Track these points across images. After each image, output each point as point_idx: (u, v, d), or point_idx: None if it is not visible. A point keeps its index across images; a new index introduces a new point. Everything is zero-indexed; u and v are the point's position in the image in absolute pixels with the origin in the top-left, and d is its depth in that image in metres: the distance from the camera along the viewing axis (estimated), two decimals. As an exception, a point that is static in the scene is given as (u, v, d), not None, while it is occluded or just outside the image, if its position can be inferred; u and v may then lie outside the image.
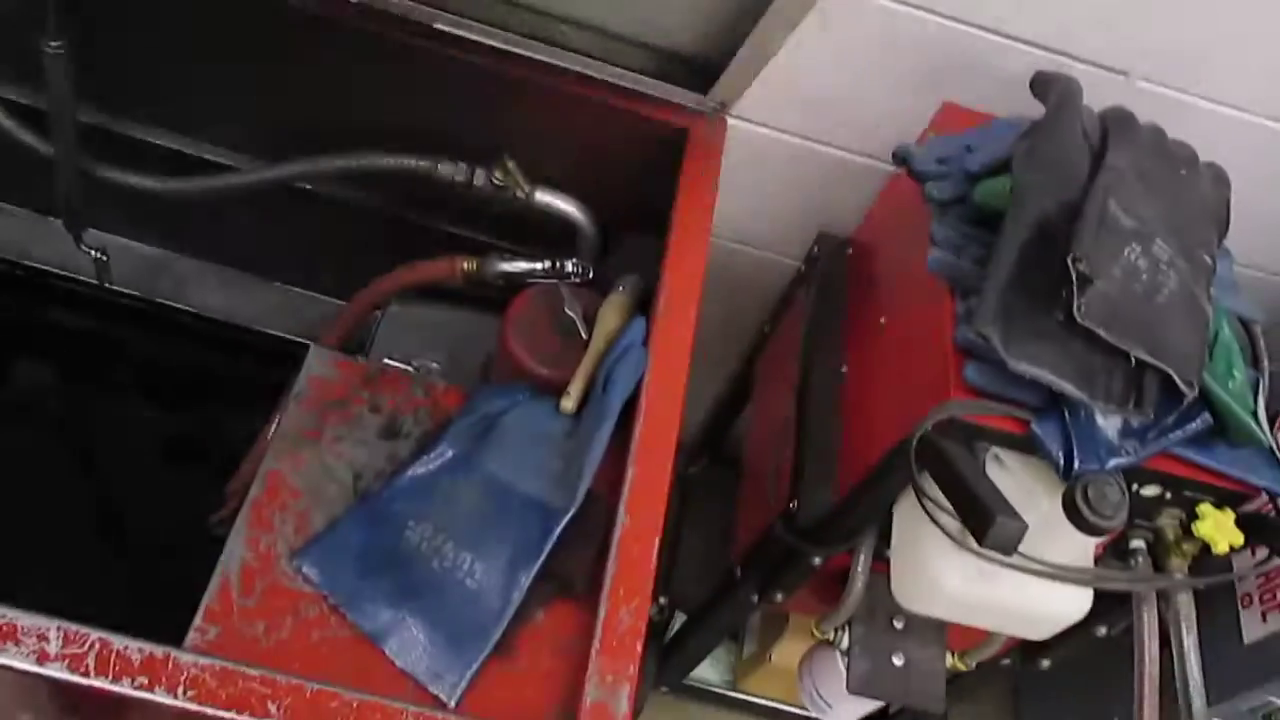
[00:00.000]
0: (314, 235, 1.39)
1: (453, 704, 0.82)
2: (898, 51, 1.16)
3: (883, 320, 1.19)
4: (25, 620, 0.73)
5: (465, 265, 1.21)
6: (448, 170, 1.16)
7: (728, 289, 1.62)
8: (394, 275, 1.26)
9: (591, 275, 1.19)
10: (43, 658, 0.73)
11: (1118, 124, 1.01)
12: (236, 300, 1.48)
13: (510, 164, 1.14)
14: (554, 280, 1.18)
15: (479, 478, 0.91)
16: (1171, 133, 1.05)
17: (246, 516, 0.86)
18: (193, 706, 0.72)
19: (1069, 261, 0.85)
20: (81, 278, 1.41)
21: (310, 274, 1.50)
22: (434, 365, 1.30)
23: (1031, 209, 0.94)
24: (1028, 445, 0.91)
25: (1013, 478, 0.95)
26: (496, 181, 1.16)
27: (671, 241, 1.03)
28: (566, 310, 1.13)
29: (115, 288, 1.42)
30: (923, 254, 0.98)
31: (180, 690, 0.73)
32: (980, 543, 0.85)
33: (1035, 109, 1.04)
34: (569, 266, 1.18)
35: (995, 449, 0.95)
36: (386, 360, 1.25)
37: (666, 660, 1.49)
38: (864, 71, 1.18)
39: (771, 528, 1.14)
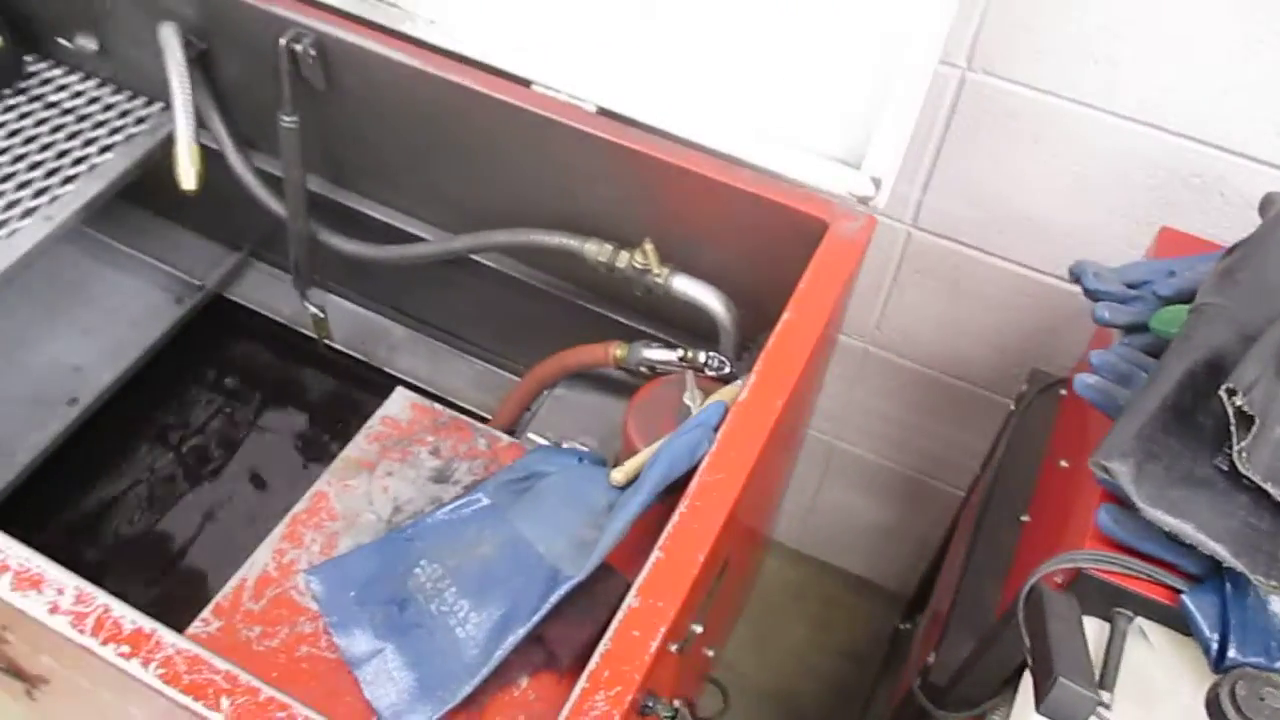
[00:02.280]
0: (502, 313, 1.47)
1: None
2: (1118, 170, 1.05)
3: (1063, 463, 1.05)
4: (52, 573, 0.80)
5: (617, 352, 1.22)
6: (593, 250, 1.18)
7: (947, 425, 1.52)
8: (556, 358, 1.30)
9: (729, 369, 1.15)
10: (54, 609, 0.79)
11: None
12: (445, 373, 1.58)
13: (649, 247, 1.15)
14: (688, 369, 1.16)
15: (504, 531, 0.89)
16: None
17: (283, 529, 0.90)
18: (155, 683, 0.75)
19: (1223, 393, 0.71)
20: (303, 330, 1.58)
21: (500, 351, 1.58)
22: (584, 448, 1.31)
23: (1205, 334, 0.80)
24: (1178, 620, 0.75)
25: (1158, 661, 0.77)
26: (637, 265, 1.16)
27: (776, 331, 0.98)
28: (685, 400, 1.11)
29: (331, 343, 1.57)
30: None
31: (151, 666, 0.76)
32: (1038, 705, 0.71)
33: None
34: (703, 358, 1.15)
35: (1140, 622, 0.79)
36: (538, 438, 1.28)
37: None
38: (1080, 192, 1.09)
39: (910, 686, 1.03)
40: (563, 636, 0.84)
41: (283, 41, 1.22)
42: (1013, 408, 1.37)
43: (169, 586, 1.43)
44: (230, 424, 1.67)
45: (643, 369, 1.21)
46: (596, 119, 1.15)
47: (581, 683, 0.76)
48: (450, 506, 0.93)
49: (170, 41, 1.24)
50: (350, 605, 0.86)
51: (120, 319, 1.60)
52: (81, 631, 0.79)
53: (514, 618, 0.85)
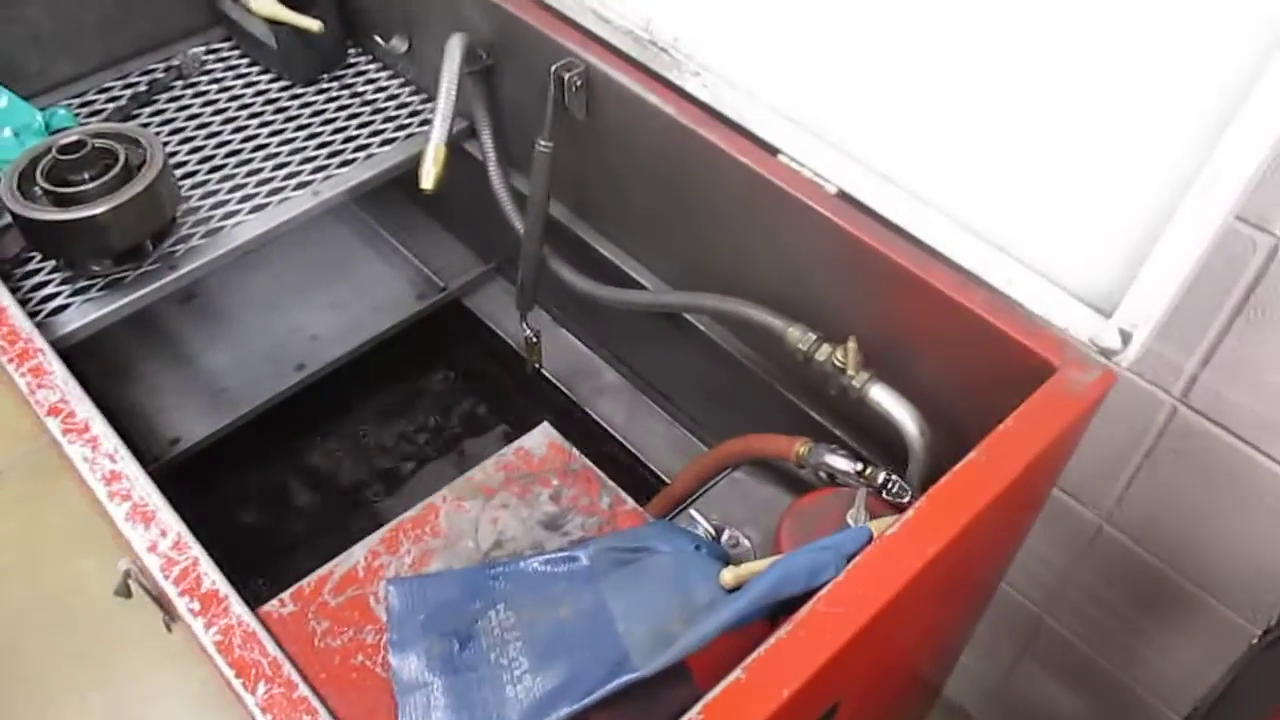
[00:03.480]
0: (707, 381, 1.41)
1: None
2: None
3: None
4: (164, 514, 0.83)
5: (800, 449, 1.13)
6: (795, 336, 1.10)
7: (1176, 636, 1.32)
8: (743, 441, 1.22)
9: (908, 498, 1.03)
10: (152, 547, 0.81)
11: None
12: (636, 425, 1.55)
13: (851, 346, 1.05)
14: (863, 486, 1.05)
15: (589, 599, 0.82)
16: None
17: (385, 532, 0.88)
18: (209, 648, 0.75)
19: None
20: (513, 345, 1.60)
21: (698, 419, 1.52)
22: (745, 541, 1.23)
23: None
24: None
25: None
26: (836, 363, 1.07)
27: (954, 470, 0.85)
28: (848, 517, 1.01)
29: (542, 370, 1.57)
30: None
31: (212, 630, 0.76)
32: None
33: None
34: (882, 477, 1.04)
35: None
36: (701, 519, 1.21)
37: None
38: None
39: None
40: (609, 728, 0.76)
41: (554, 68, 1.24)
42: (1256, 639, 1.17)
43: (295, 560, 1.49)
44: (425, 422, 1.73)
45: (821, 473, 1.12)
46: (834, 202, 1.07)
47: (610, 790, 0.68)
48: (547, 558, 0.88)
49: (453, 50, 1.29)
50: (416, 628, 0.83)
51: (364, 301, 1.69)
52: (167, 576, 0.80)
53: (567, 693, 0.78)
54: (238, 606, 0.77)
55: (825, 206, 1.07)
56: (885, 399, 1.04)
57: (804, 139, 1.11)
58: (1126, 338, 0.91)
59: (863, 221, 1.05)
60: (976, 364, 0.99)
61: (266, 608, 0.87)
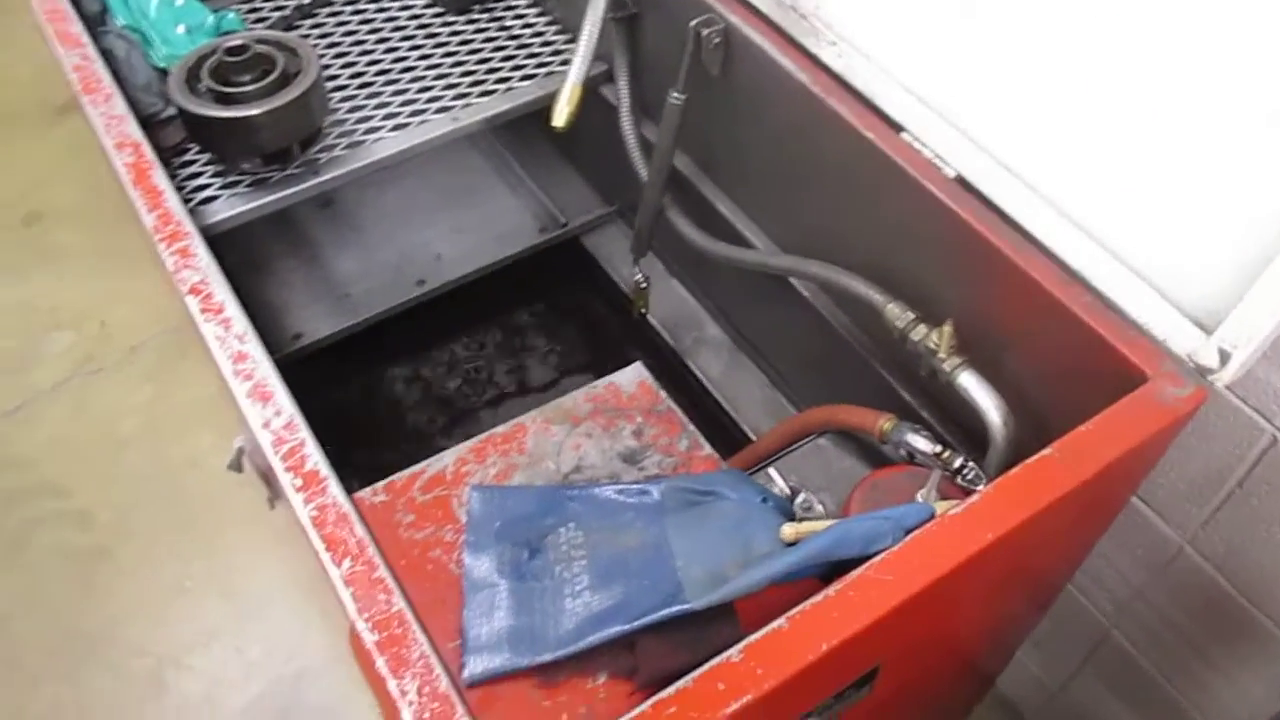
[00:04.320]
0: (805, 346, 1.43)
1: (463, 678, 0.79)
2: None
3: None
4: (280, 395, 0.90)
5: (884, 424, 1.15)
6: (894, 313, 1.12)
7: (1248, 674, 1.30)
8: (828, 410, 1.25)
9: (981, 486, 1.04)
10: (266, 424, 0.89)
11: None
12: (731, 380, 1.58)
13: (947, 330, 1.06)
14: (939, 469, 1.07)
15: (654, 532, 0.87)
16: None
17: (475, 442, 0.93)
18: (305, 523, 0.82)
19: None
20: (623, 289, 1.65)
21: (792, 382, 1.54)
22: (819, 506, 1.25)
23: None
24: None
25: None
26: (930, 345, 1.08)
27: (1025, 463, 0.87)
28: (918, 496, 1.03)
29: (647, 317, 1.61)
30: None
31: (310, 506, 0.83)
32: None
33: None
34: (958, 462, 1.06)
35: None
36: (779, 478, 1.24)
37: None
38: None
39: None
40: (654, 654, 0.81)
41: (694, 23, 1.26)
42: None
43: (385, 459, 1.57)
44: (526, 350, 1.79)
45: (901, 451, 1.14)
46: (950, 185, 1.08)
47: (643, 706, 0.72)
48: (621, 488, 0.92)
49: (599, -5, 1.33)
50: (491, 533, 0.89)
51: (488, 228, 1.75)
52: (276, 452, 0.87)
53: (619, 614, 0.83)
54: (335, 488, 0.84)
55: (940, 189, 1.08)
56: (973, 386, 1.05)
57: (929, 119, 1.11)
58: (1225, 357, 0.90)
59: (975, 208, 1.06)
60: (1068, 362, 1.00)
61: (360, 494, 0.94)
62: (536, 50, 1.59)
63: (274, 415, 0.90)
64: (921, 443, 1.10)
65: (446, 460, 0.97)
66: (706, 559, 0.86)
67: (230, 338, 0.97)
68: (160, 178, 1.13)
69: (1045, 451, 0.87)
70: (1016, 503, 0.84)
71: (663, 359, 1.62)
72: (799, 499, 1.22)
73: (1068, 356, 1.00)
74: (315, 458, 0.87)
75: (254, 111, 1.27)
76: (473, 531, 0.90)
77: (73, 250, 2.41)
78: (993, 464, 1.07)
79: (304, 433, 0.88)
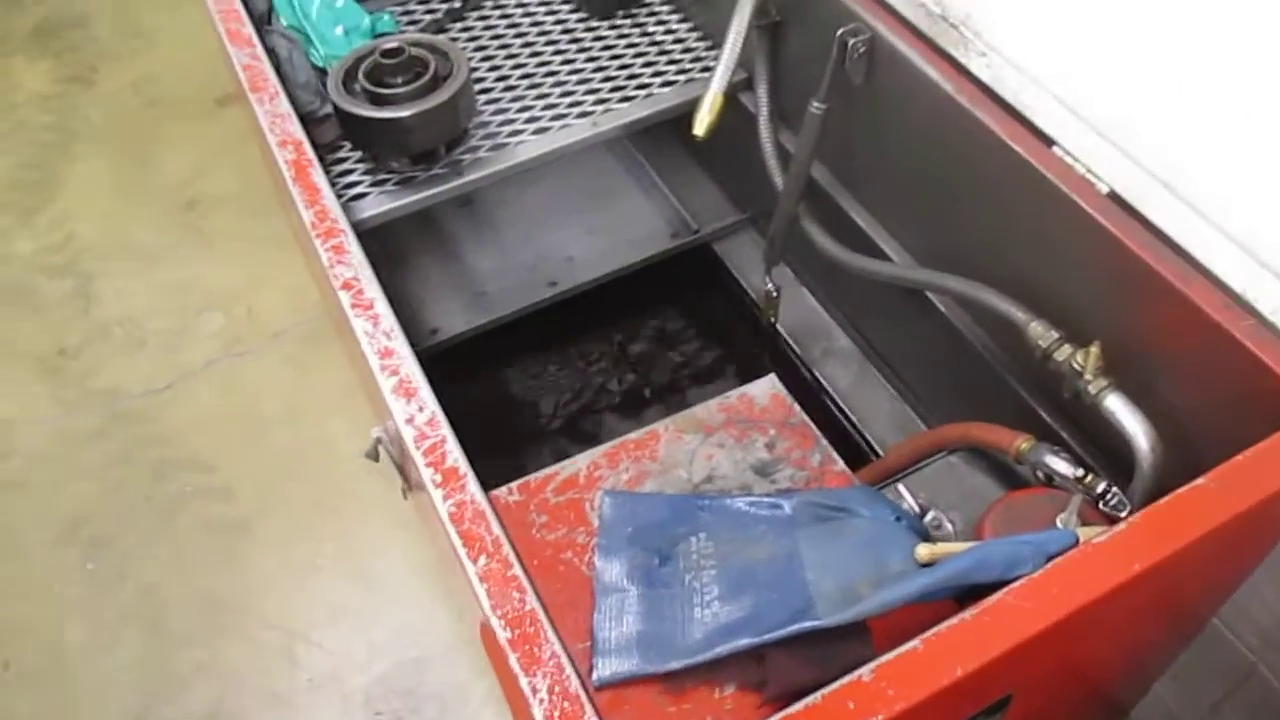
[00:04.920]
0: (937, 362, 1.41)
1: (593, 680, 0.80)
2: None
3: None
4: (424, 392, 0.94)
5: (1022, 445, 1.13)
6: (1038, 331, 1.09)
7: None
8: (963, 427, 1.22)
9: (1126, 514, 1.01)
10: (409, 420, 0.92)
11: None
12: (859, 392, 1.56)
13: (1095, 350, 1.03)
14: (1081, 494, 1.03)
15: (785, 545, 0.86)
16: None
17: (609, 447, 0.94)
18: (443, 517, 0.84)
19: None
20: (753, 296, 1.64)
21: (922, 397, 1.51)
22: (949, 525, 1.23)
23: None
24: None
25: None
26: (1075, 365, 1.05)
27: (1177, 493, 0.83)
28: (1058, 520, 1.00)
29: (776, 326, 1.61)
30: None
31: (449, 501, 0.85)
32: None
33: None
34: (1102, 487, 1.02)
35: None
36: (908, 495, 1.22)
37: None
38: None
39: None
40: (784, 668, 0.80)
41: (840, 32, 1.25)
42: None
43: (514, 459, 1.60)
44: (656, 356, 1.80)
45: (1039, 473, 1.10)
46: (1103, 202, 1.05)
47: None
48: (753, 499, 0.92)
49: (744, 3, 1.33)
50: (623, 538, 0.90)
51: (621, 231, 1.77)
52: (418, 446, 0.90)
53: (749, 626, 0.83)
54: (473, 485, 0.87)
55: (1093, 205, 1.05)
56: (1121, 410, 1.02)
57: (1083, 133, 1.08)
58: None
59: (1129, 226, 1.02)
60: (1225, 390, 0.95)
61: (496, 493, 0.96)
62: (677, 56, 1.60)
63: (417, 411, 0.93)
64: (1062, 465, 1.07)
65: (580, 464, 0.98)
66: (839, 575, 0.86)
67: (378, 333, 1.00)
68: (318, 175, 1.18)
69: (1199, 481, 0.84)
70: (1167, 533, 0.81)
71: (790, 368, 1.61)
72: (928, 516, 1.20)
73: (1224, 383, 0.96)
74: (455, 454, 0.89)
75: (405, 113, 1.32)
76: (604, 535, 0.92)
77: (225, 236, 2.53)
78: (1137, 490, 1.04)
79: (445, 430, 0.90)
